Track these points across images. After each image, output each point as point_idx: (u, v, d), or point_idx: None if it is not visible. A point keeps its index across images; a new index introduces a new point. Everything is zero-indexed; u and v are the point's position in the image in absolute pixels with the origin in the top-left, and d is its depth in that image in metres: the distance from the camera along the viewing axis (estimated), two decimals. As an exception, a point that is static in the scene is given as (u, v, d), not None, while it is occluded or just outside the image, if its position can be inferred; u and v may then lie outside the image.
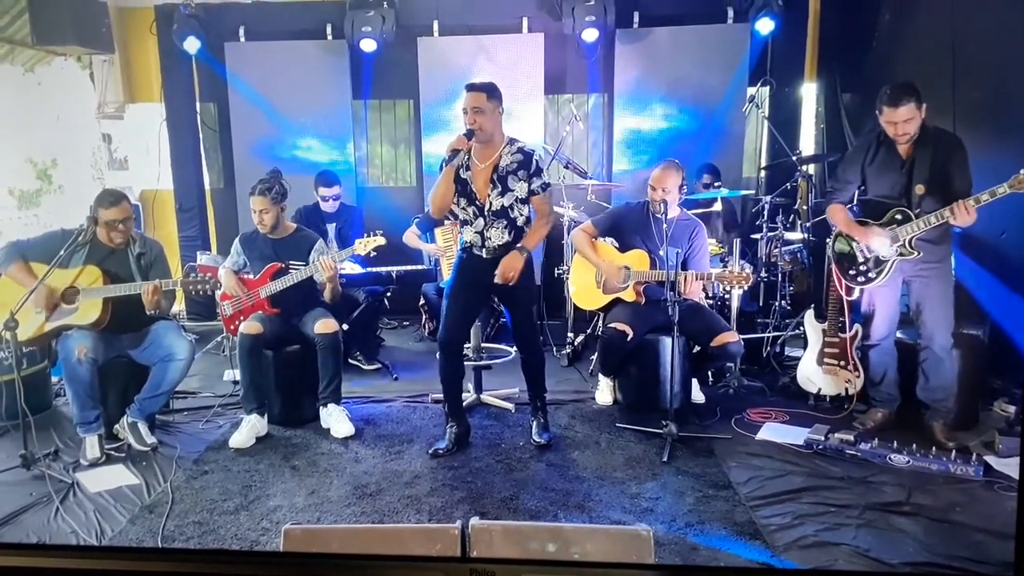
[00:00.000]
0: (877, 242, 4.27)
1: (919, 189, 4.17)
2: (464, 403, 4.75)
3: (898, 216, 4.22)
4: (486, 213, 4.25)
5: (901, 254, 4.23)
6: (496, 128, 4.22)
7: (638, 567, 1.71)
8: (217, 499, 3.88)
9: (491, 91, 4.15)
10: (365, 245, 4.80)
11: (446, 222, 5.86)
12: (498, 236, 4.27)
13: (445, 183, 4.21)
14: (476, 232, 4.30)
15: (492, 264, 4.30)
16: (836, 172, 4.74)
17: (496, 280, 4.23)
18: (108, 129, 8.18)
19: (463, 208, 4.32)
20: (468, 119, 4.11)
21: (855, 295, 4.54)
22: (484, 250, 4.31)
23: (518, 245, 4.26)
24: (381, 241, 4.82)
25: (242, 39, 7.51)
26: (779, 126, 6.79)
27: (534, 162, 4.24)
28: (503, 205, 4.23)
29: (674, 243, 4.70)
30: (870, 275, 4.37)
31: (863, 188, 4.46)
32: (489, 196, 4.23)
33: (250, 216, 4.88)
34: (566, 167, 6.37)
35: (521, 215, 4.29)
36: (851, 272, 4.44)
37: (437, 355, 4.48)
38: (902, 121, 4.10)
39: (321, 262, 4.69)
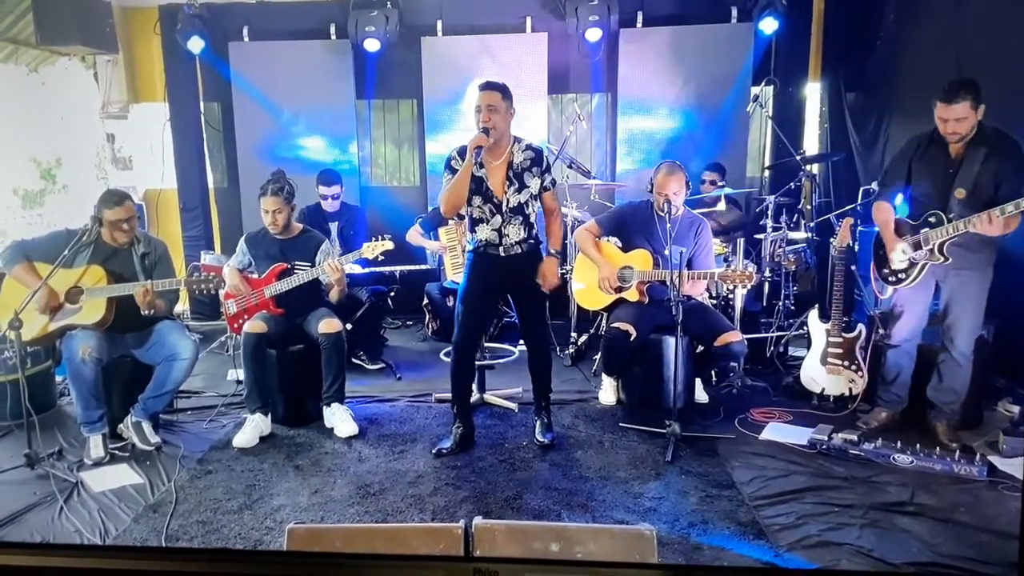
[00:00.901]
0: (897, 254, 4.22)
1: (959, 193, 4.01)
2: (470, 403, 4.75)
3: (931, 219, 4.11)
4: (504, 210, 4.27)
5: (931, 258, 4.13)
6: (507, 128, 4.25)
7: (641, 567, 1.70)
8: (221, 498, 3.89)
9: (505, 91, 4.20)
10: (373, 249, 4.79)
11: (450, 222, 5.86)
12: (515, 233, 4.29)
13: (463, 181, 4.19)
14: (493, 229, 4.30)
15: (508, 262, 4.32)
16: (886, 167, 4.67)
17: (544, 291, 4.38)
18: (112, 129, 8.19)
19: (478, 207, 4.32)
20: (483, 117, 4.12)
21: (887, 294, 4.46)
22: (501, 248, 4.32)
23: (551, 251, 4.39)
24: (389, 246, 4.82)
25: (246, 39, 7.52)
26: (783, 126, 6.79)
27: (545, 159, 4.32)
28: (520, 202, 4.26)
29: (679, 241, 4.69)
30: (900, 275, 4.30)
31: (910, 186, 4.32)
32: (506, 193, 4.24)
33: (254, 216, 4.89)
34: (570, 167, 6.37)
35: (534, 211, 4.35)
36: (884, 271, 4.38)
37: (442, 355, 4.48)
38: (954, 120, 3.93)
39: (328, 265, 4.69)
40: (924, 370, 4.46)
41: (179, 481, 4.08)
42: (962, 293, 4.21)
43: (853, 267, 5.23)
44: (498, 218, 4.29)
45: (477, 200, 4.30)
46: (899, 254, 4.22)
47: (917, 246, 4.17)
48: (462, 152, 4.21)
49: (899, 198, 4.39)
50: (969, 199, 4.00)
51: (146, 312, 4.41)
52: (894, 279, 4.34)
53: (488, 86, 4.20)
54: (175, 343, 4.54)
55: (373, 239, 4.83)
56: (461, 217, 4.46)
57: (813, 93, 7.54)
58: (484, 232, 4.33)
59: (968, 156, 4.02)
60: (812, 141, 7.62)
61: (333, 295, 4.84)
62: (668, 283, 4.54)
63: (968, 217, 3.91)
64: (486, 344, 5.37)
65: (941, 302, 4.33)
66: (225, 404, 5.19)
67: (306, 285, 4.80)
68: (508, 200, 4.26)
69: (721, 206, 6.22)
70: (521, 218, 4.30)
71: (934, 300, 4.39)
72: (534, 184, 4.28)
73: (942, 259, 4.10)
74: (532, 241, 4.36)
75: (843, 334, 4.75)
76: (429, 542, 1.85)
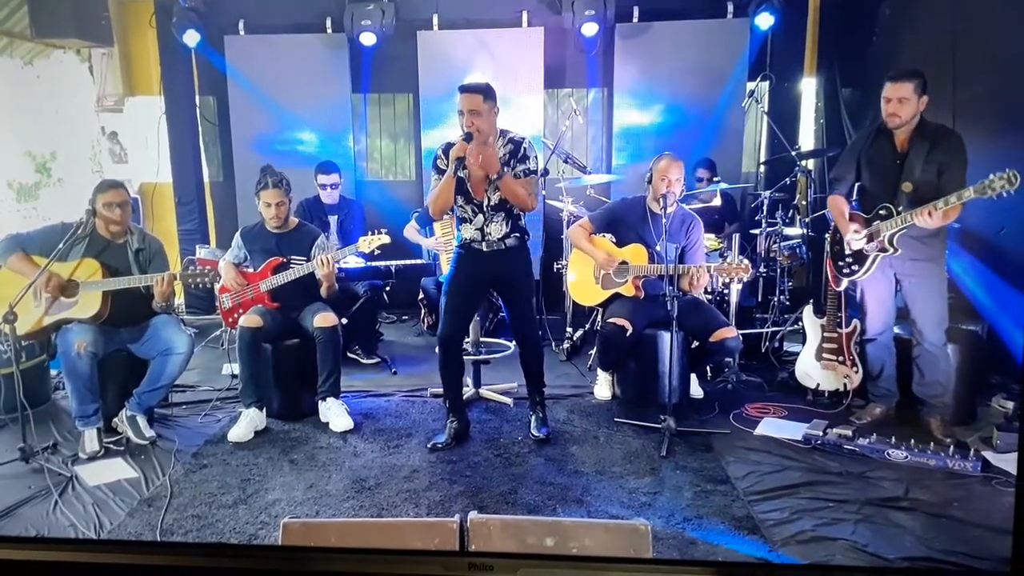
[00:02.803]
0: (852, 237, 4.29)
1: (906, 187, 4.15)
2: (463, 397, 4.74)
3: (881, 212, 4.22)
4: (485, 209, 4.25)
5: (882, 250, 4.22)
6: (491, 127, 4.20)
7: (636, 561, 1.71)
8: (216, 493, 3.88)
9: (486, 92, 4.12)
10: (369, 243, 4.80)
11: (444, 217, 5.85)
12: (497, 230, 4.28)
13: (447, 189, 4.18)
14: (476, 229, 4.30)
15: (491, 258, 4.31)
16: (837, 163, 4.73)
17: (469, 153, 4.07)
18: (107, 122, 8.16)
19: (461, 206, 4.32)
20: (465, 122, 4.08)
21: (843, 286, 4.57)
22: (484, 243, 4.31)
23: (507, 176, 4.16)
24: (386, 240, 4.82)
25: (241, 32, 7.50)
26: (778, 121, 6.78)
27: (522, 149, 4.24)
28: (501, 198, 4.23)
29: (672, 237, 4.70)
30: (854, 267, 4.40)
31: (860, 180, 4.43)
32: (487, 191, 4.23)
33: (249, 210, 4.89)
34: (565, 162, 6.37)
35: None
36: (839, 263, 4.49)
37: (436, 350, 4.48)
38: (896, 99, 4.09)
39: (319, 260, 4.69)
40: (909, 364, 4.49)
41: (174, 475, 4.07)
42: (920, 284, 4.29)
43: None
44: (480, 217, 4.28)
45: (460, 200, 4.30)
46: (853, 235, 4.29)
47: (870, 238, 4.25)
48: (447, 150, 4.18)
49: (850, 193, 4.48)
50: (915, 193, 4.12)
51: (162, 304, 4.41)
52: (848, 271, 4.43)
53: (468, 89, 4.13)
54: (170, 337, 4.53)
55: (370, 232, 4.83)
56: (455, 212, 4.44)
57: (809, 88, 7.54)
58: (468, 231, 4.33)
59: (913, 150, 4.17)
60: (808, 136, 7.62)
61: (323, 290, 4.84)
62: (664, 278, 4.54)
63: (913, 211, 4.02)
64: (481, 339, 5.36)
65: (903, 296, 4.41)
66: (220, 399, 5.19)
67: (302, 279, 4.80)
68: (489, 199, 4.25)
69: (717, 201, 6.22)
70: (503, 214, 4.27)
71: (898, 294, 4.46)
72: (509, 175, 4.21)
73: (892, 250, 4.20)
74: (517, 235, 4.34)
75: (838, 329, 4.76)
76: (424, 537, 1.85)
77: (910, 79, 4.08)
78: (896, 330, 4.58)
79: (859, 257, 4.36)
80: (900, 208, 4.14)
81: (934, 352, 4.31)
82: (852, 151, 4.51)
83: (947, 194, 3.89)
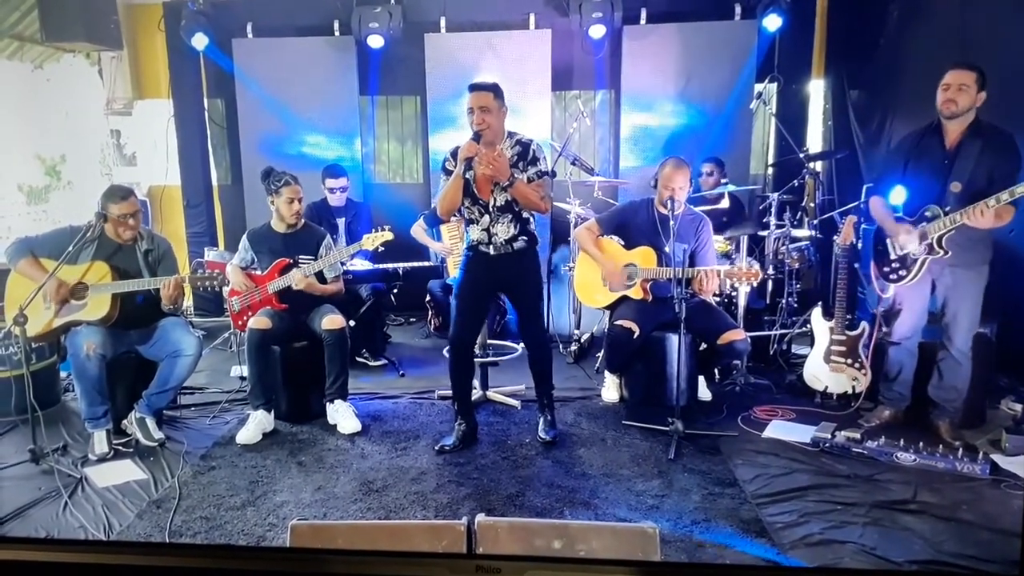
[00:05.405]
0: (904, 239, 4.18)
1: (955, 187, 4.01)
2: (471, 400, 4.75)
3: (928, 213, 4.11)
4: (491, 210, 4.26)
5: (930, 252, 4.12)
6: (500, 127, 4.23)
7: (644, 564, 1.71)
8: (224, 494, 3.90)
9: (496, 90, 4.16)
10: (373, 240, 4.82)
11: (452, 219, 5.87)
12: (504, 231, 4.28)
13: (455, 189, 4.20)
14: (482, 229, 4.30)
15: (499, 261, 4.31)
16: (881, 162, 4.66)
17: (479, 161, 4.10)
18: (116, 125, 8.21)
19: (468, 207, 4.32)
20: (475, 119, 4.10)
21: (890, 293, 4.42)
22: (491, 247, 4.31)
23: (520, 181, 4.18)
24: (389, 236, 4.84)
25: (250, 35, 7.53)
26: (786, 123, 6.78)
27: (531, 151, 4.26)
28: (507, 200, 4.24)
29: (681, 239, 4.69)
30: (901, 272, 4.27)
31: (905, 180, 4.28)
32: (492, 192, 4.23)
33: (257, 212, 4.92)
34: (573, 164, 6.37)
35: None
36: (885, 269, 4.36)
37: (445, 352, 4.48)
38: (956, 85, 3.94)
39: (294, 277, 4.74)
40: (926, 368, 4.46)
41: (183, 477, 4.09)
42: (958, 291, 4.21)
43: (856, 265, 5.23)
44: (487, 218, 4.29)
45: (466, 201, 4.31)
46: (904, 236, 4.17)
47: (919, 240, 4.15)
48: (455, 153, 4.22)
49: (895, 194, 4.36)
50: (964, 193, 3.99)
51: (170, 306, 4.43)
52: (895, 277, 4.32)
53: (479, 87, 4.15)
54: (179, 339, 4.55)
55: (373, 230, 4.85)
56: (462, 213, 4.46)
57: (817, 90, 7.53)
58: (475, 232, 4.35)
59: (963, 149, 4.03)
60: (815, 138, 7.61)
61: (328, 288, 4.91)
62: (673, 280, 4.53)
63: (962, 210, 3.90)
64: (489, 341, 5.37)
65: (938, 300, 4.32)
66: (229, 400, 5.21)
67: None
68: (495, 199, 4.26)
69: (724, 203, 6.21)
70: (511, 216, 4.28)
71: (932, 297, 4.39)
72: (521, 179, 4.22)
73: (942, 252, 4.09)
74: (524, 238, 4.35)
75: (846, 332, 4.75)
76: (432, 539, 1.86)
77: (972, 68, 3.93)
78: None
79: (905, 261, 4.25)
80: (948, 208, 4.02)
81: (958, 359, 4.26)
82: (898, 150, 4.37)
83: (998, 193, 3.77)
